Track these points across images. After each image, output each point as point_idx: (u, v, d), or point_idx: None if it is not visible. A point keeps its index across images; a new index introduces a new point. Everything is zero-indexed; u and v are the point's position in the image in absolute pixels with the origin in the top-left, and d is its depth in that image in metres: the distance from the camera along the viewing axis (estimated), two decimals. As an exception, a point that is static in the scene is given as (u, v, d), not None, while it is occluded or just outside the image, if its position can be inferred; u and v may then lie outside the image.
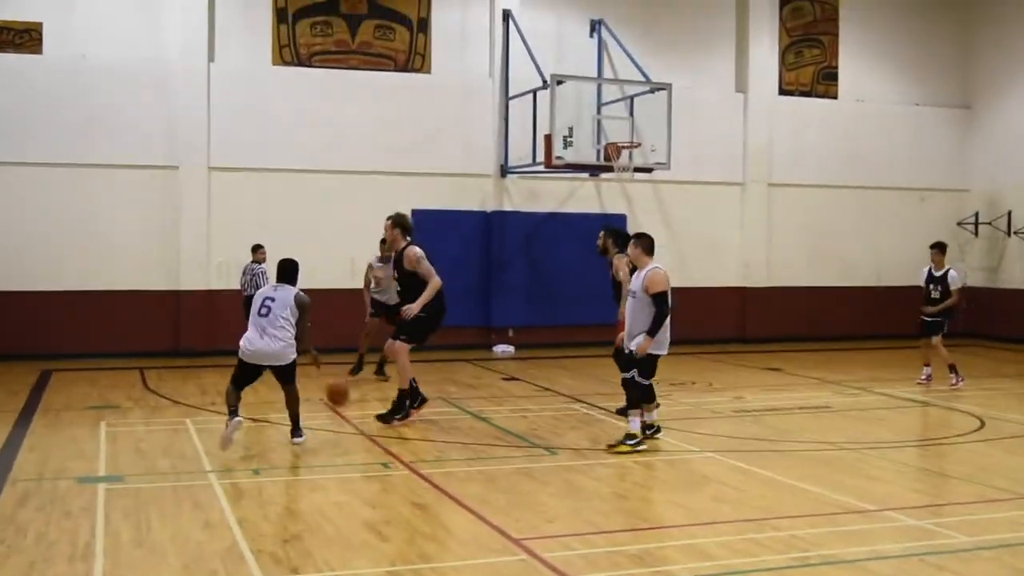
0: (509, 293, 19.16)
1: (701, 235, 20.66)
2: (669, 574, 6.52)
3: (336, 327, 16.41)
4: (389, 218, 11.54)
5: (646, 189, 20.06)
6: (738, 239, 21.01)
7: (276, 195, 18.05)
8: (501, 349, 18.93)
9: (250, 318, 10.13)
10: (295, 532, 7.34)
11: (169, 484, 8.70)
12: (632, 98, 18.02)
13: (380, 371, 14.93)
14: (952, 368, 14.95)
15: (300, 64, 18.34)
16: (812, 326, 21.19)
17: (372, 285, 15.02)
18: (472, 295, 18.95)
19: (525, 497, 8.38)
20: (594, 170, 18.33)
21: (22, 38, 17.00)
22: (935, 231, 20.14)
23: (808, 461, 9.88)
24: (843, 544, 7.10)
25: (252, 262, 16.07)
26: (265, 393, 12.35)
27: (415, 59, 19.02)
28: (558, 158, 16.86)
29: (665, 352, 10.25)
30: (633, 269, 10.50)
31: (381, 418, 11.33)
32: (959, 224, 22.30)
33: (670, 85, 17.56)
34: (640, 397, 10.24)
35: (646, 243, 10.31)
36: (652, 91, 17.73)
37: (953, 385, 14.80)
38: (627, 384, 10.25)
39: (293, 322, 10.01)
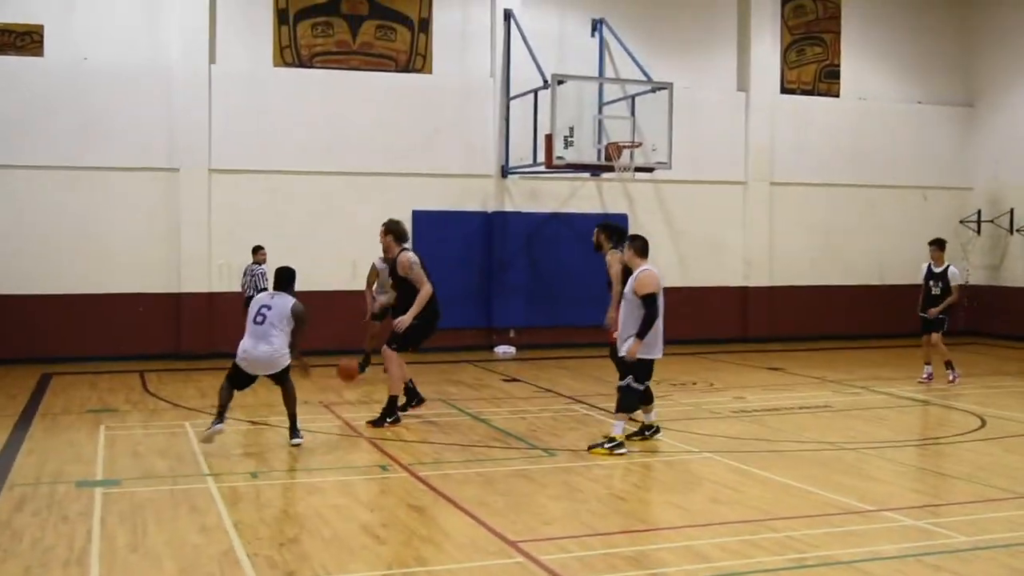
0: (510, 294, 19.14)
1: (703, 234, 20.63)
2: (665, 576, 6.52)
3: (337, 329, 16.42)
4: (383, 225, 11.59)
5: (647, 189, 20.03)
6: (740, 238, 20.97)
7: (277, 197, 18.05)
8: (502, 350, 18.92)
9: (246, 325, 10.24)
10: (292, 535, 7.33)
11: (167, 488, 8.70)
12: (633, 97, 17.99)
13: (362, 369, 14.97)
14: (948, 364, 14.99)
15: (301, 65, 18.34)
16: (814, 325, 21.15)
17: (375, 286, 15.03)
18: (473, 296, 18.96)
19: (523, 499, 8.36)
20: (595, 170, 18.30)
21: (23, 40, 17.01)
22: (937, 229, 20.07)
23: (807, 461, 9.86)
24: (841, 545, 7.08)
25: (252, 263, 16.08)
26: (264, 395, 12.38)
27: (416, 59, 19.01)
28: (559, 158, 16.84)
29: (658, 356, 10.19)
30: (629, 271, 10.46)
31: (373, 424, 11.38)
32: (961, 222, 22.25)
33: (671, 84, 17.52)
34: (631, 403, 10.18)
35: (639, 245, 10.27)
36: (653, 90, 17.69)
37: (950, 381, 14.86)
38: (620, 390, 10.20)
39: (288, 331, 10.14)
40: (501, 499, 8.33)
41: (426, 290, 11.12)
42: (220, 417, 10.13)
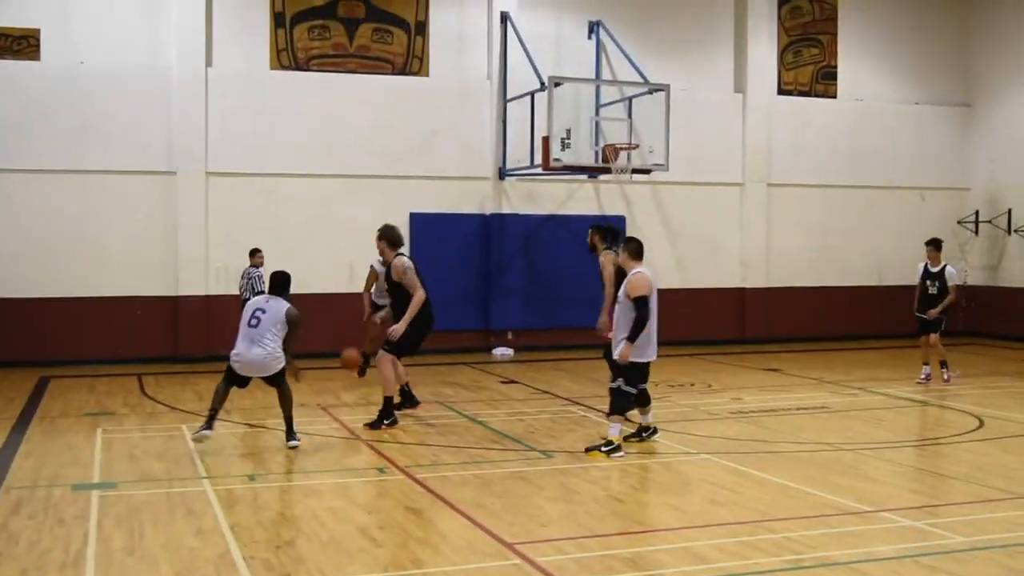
0: (508, 296, 19.14)
1: (700, 236, 20.63)
2: (662, 578, 6.52)
3: (335, 331, 16.39)
4: (378, 231, 11.64)
5: (645, 190, 20.03)
6: (737, 239, 20.97)
7: (274, 199, 18.03)
8: (500, 352, 18.91)
9: (240, 328, 10.33)
10: (288, 538, 7.32)
11: (163, 491, 8.69)
12: (630, 99, 18.00)
13: (363, 372, 14.99)
14: (943, 364, 15.03)
15: (298, 68, 18.34)
16: (812, 326, 21.15)
17: (373, 289, 15.02)
18: (471, 298, 18.96)
19: (520, 501, 8.36)
20: (592, 172, 18.29)
21: (20, 44, 17.00)
22: (935, 230, 20.07)
23: (804, 462, 9.85)
24: (838, 546, 7.08)
25: (250, 266, 16.07)
26: (262, 398, 12.40)
27: (413, 62, 19.00)
28: (555, 160, 16.84)
29: (650, 359, 10.17)
30: (624, 274, 10.44)
31: (370, 426, 11.39)
32: (959, 223, 22.26)
33: (668, 86, 17.52)
34: (623, 405, 10.16)
35: (632, 247, 10.27)
36: (650, 92, 17.70)
37: (945, 380, 14.89)
38: (611, 392, 10.21)
39: (282, 335, 10.26)
40: (498, 501, 8.33)
41: (418, 296, 11.17)
42: (209, 423, 10.29)
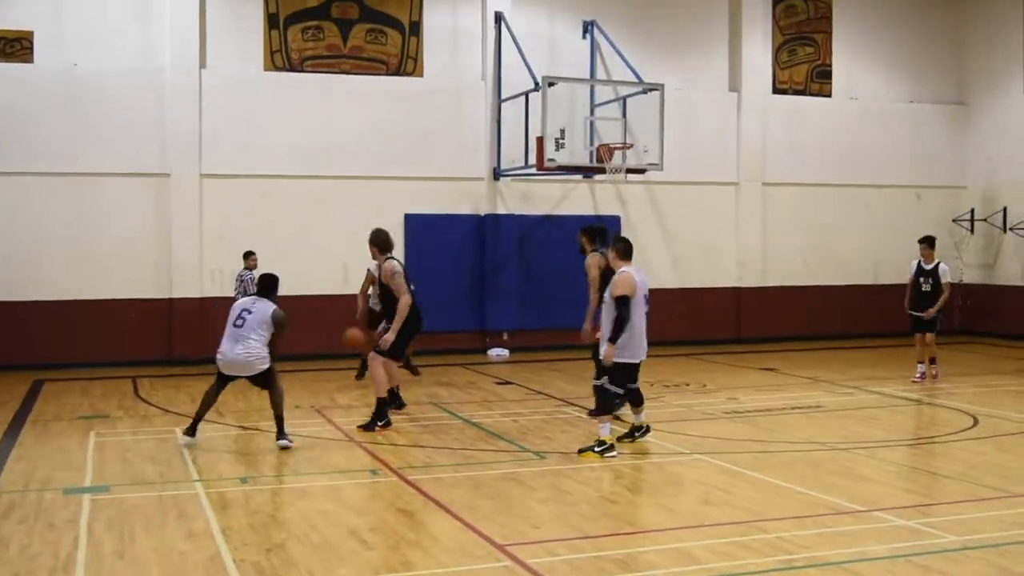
0: (503, 296, 19.11)
1: (695, 235, 20.61)
2: (653, 579, 6.50)
3: (329, 333, 16.33)
4: (369, 235, 11.64)
5: (639, 190, 20.01)
6: (733, 239, 20.95)
7: (269, 201, 17.99)
8: (496, 353, 18.88)
9: (226, 328, 10.43)
10: (279, 541, 7.30)
11: (155, 494, 8.66)
12: (625, 99, 17.97)
13: (361, 375, 14.96)
14: (931, 360, 15.07)
15: (292, 69, 18.30)
16: (808, 325, 21.13)
17: (370, 290, 14.98)
18: (466, 299, 18.94)
19: (512, 502, 8.34)
20: (587, 172, 18.28)
21: (13, 47, 16.97)
22: (931, 228, 19.93)
23: (798, 462, 9.84)
24: (830, 546, 7.06)
25: (244, 269, 16.04)
26: (255, 400, 12.39)
27: (407, 63, 18.98)
28: (550, 160, 16.80)
29: (637, 359, 10.13)
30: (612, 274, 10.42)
31: (363, 428, 11.38)
32: (955, 221, 22.25)
33: (663, 85, 17.49)
34: (608, 404, 10.13)
35: (621, 247, 10.23)
36: (645, 92, 17.66)
37: (933, 376, 14.96)
38: (595, 390, 10.19)
39: (267, 336, 10.34)
40: (490, 503, 8.31)
41: (404, 301, 11.25)
42: (192, 430, 10.46)
